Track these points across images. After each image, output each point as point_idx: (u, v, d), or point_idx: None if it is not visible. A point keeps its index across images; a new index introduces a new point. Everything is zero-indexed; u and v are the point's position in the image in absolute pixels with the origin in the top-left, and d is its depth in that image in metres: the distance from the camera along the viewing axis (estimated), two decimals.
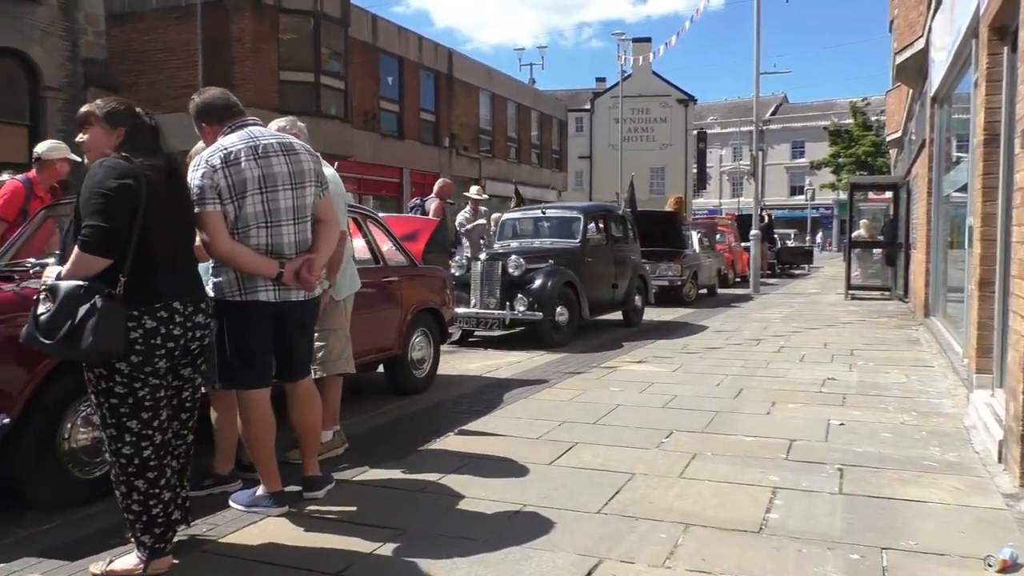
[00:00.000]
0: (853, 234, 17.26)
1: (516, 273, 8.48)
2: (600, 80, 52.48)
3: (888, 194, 26.57)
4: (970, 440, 4.57)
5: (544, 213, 9.80)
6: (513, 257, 8.49)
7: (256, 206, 3.21)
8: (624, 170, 38.03)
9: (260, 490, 3.38)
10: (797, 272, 26.59)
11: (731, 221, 22.02)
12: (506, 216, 10.33)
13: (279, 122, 3.88)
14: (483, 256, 8.61)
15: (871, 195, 30.58)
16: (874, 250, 18.66)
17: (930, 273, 10.19)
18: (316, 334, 3.78)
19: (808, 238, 37.64)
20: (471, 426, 4.96)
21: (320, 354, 4.07)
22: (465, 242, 10.71)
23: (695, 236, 15.70)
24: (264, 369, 3.34)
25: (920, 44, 10.80)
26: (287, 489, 3.47)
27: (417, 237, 6.64)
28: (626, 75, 45.42)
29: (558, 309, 8.61)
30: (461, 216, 11.13)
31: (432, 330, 6.14)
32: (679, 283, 13.98)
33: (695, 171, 45.23)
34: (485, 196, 11.08)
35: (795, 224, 49.19)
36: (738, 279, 20.31)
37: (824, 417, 5.14)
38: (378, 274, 5.50)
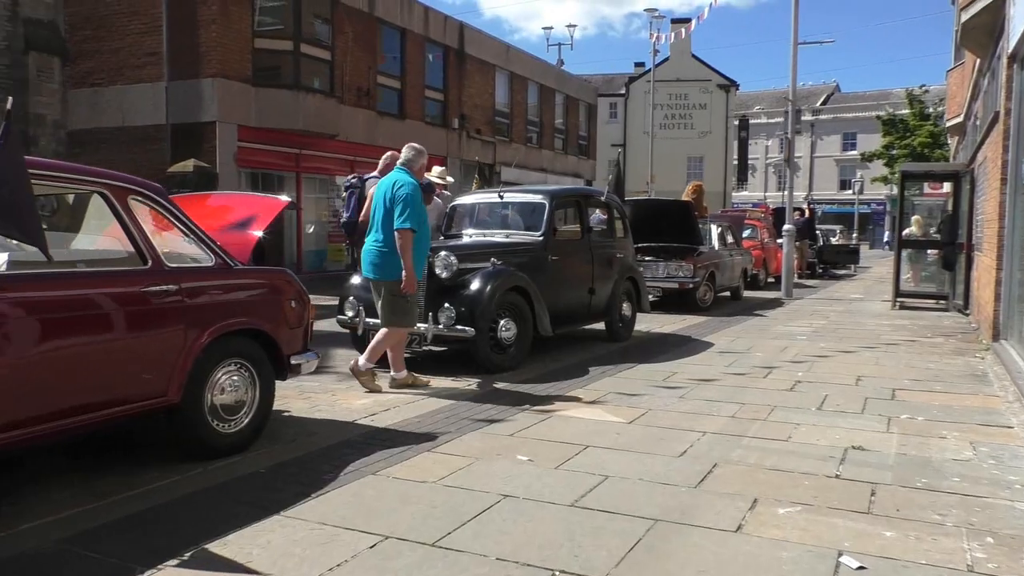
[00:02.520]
0: (903, 232, 14.82)
1: (445, 275, 6.44)
2: (639, 65, 49.87)
3: (946, 187, 23.92)
4: None
5: (502, 197, 7.74)
6: (442, 254, 6.45)
7: None
8: (659, 159, 35.64)
9: None
10: (841, 273, 24.03)
11: (765, 214, 19.62)
12: (458, 201, 8.28)
13: None
14: None
15: (927, 188, 27.82)
16: (928, 251, 16.24)
17: (1002, 284, 7.89)
18: None
19: (855, 235, 34.71)
20: (219, 544, 2.94)
21: None
22: None
23: (714, 230, 13.45)
24: None
25: None
26: None
27: (252, 224, 4.64)
28: (663, 58, 42.95)
29: (502, 323, 6.55)
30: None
31: (256, 363, 4.14)
32: (691, 286, 11.79)
33: (736, 162, 42.54)
34: (449, 179, 9.04)
35: (844, 220, 46.13)
36: (772, 279, 17.98)
37: (833, 545, 3.01)
38: (130, 281, 3.52)
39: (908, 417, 5.12)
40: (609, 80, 47.73)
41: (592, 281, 7.88)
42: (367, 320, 6.54)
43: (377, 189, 5.95)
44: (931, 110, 40.12)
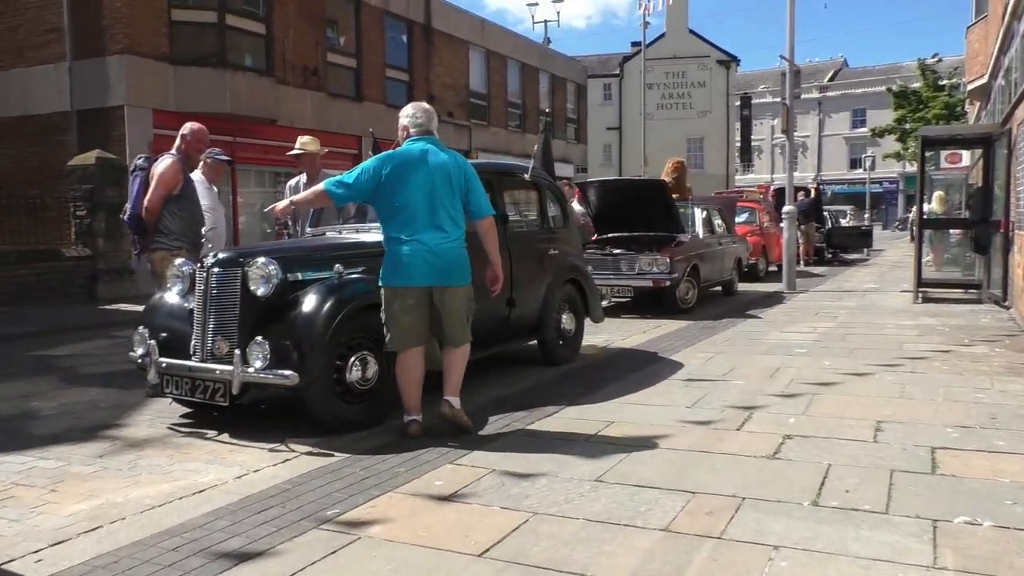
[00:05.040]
0: (925, 209, 12.66)
1: (262, 292, 4.39)
2: (635, 45, 47.48)
3: (966, 158, 21.63)
4: None
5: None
6: (259, 262, 4.39)
7: None
8: (657, 141, 33.40)
9: None
10: (853, 257, 21.83)
11: (764, 195, 17.44)
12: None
13: None
14: (209, 260, 4.52)
15: (944, 162, 25.44)
16: (951, 231, 14.05)
17: None
18: None
19: (867, 216, 32.29)
20: None
21: None
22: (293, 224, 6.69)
23: (699, 215, 11.32)
24: None
25: None
26: None
27: None
28: (659, 35, 40.65)
29: (354, 359, 4.48)
30: (291, 183, 7.11)
31: None
32: (667, 283, 9.68)
33: (739, 143, 40.18)
34: (318, 148, 6.96)
35: (856, 200, 43.79)
36: (775, 268, 15.85)
37: None
38: None
39: (967, 522, 3.02)
40: (604, 61, 45.44)
41: (511, 288, 5.80)
42: (161, 361, 4.50)
43: (416, 169, 4.32)
44: (945, 81, 37.69)
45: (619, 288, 9.96)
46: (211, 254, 4.56)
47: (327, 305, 4.34)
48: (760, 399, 5.15)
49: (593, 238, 11.15)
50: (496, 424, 4.62)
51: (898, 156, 40.45)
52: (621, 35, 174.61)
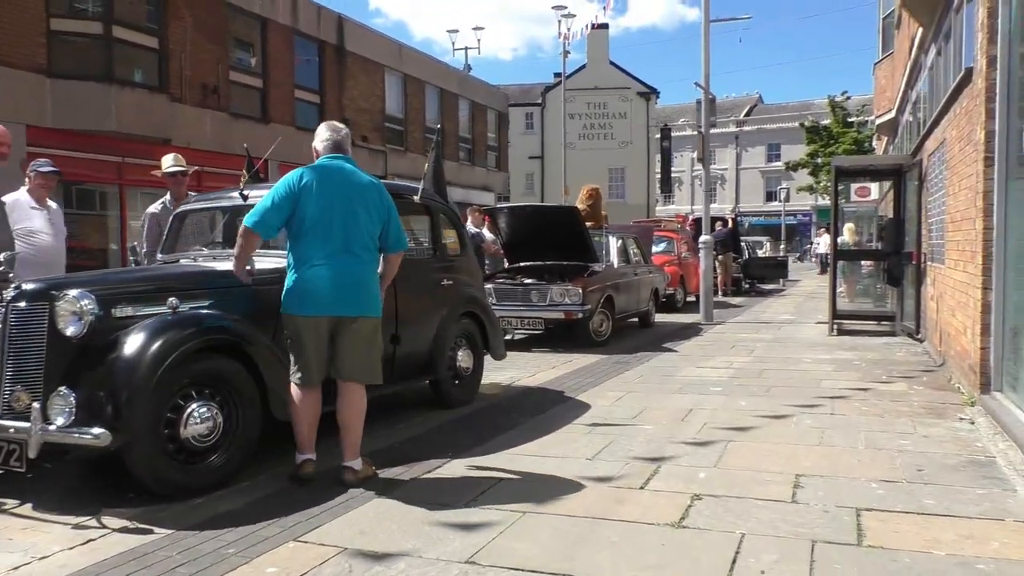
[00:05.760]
0: (838, 240, 12.58)
1: (73, 331, 3.62)
2: (558, 75, 47.75)
3: (875, 191, 22.11)
4: None
5: (245, 198, 4.94)
6: (70, 295, 3.62)
7: None
8: (579, 171, 33.32)
9: None
10: (770, 288, 21.91)
11: (682, 225, 17.27)
12: (185, 206, 5.45)
13: None
14: (9, 293, 3.73)
15: (854, 195, 26.00)
16: (863, 262, 14.09)
17: (992, 309, 5.45)
18: None
19: (783, 247, 32.77)
20: None
21: None
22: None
23: (614, 244, 10.89)
24: None
25: None
26: None
27: None
28: (580, 66, 40.93)
29: (192, 410, 3.74)
30: (152, 209, 6.34)
31: None
32: (579, 315, 9.16)
33: (659, 174, 40.55)
34: (183, 167, 6.24)
35: (772, 232, 44.72)
36: (693, 298, 15.60)
37: None
38: None
39: None
40: (527, 91, 45.44)
41: (396, 323, 5.14)
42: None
43: (333, 186, 3.97)
44: (854, 118, 38.96)
45: (529, 320, 9.41)
46: (12, 285, 3.76)
47: (155, 346, 3.60)
48: (669, 448, 4.61)
49: (506, 265, 10.61)
50: (353, 494, 3.93)
51: (811, 189, 41.50)
52: (545, 68, 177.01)
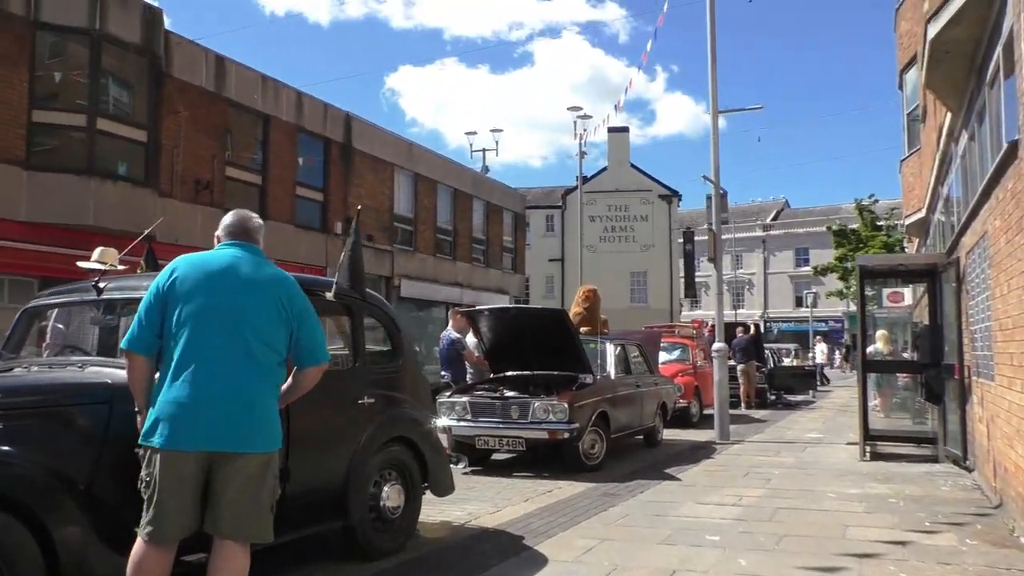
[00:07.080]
0: (868, 350, 11.30)
1: None
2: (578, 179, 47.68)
3: (908, 296, 20.75)
4: None
5: (99, 292, 3.90)
6: None
7: None
8: (601, 274, 32.45)
9: None
10: (798, 399, 20.32)
11: (698, 331, 16.02)
12: (34, 302, 4.43)
13: None
14: None
15: (886, 301, 24.61)
16: (898, 375, 12.67)
17: None
18: None
19: (811, 355, 31.14)
20: None
21: None
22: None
23: (611, 352, 9.71)
24: None
25: None
26: None
27: None
28: (600, 168, 40.77)
29: None
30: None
31: None
32: (565, 435, 7.91)
33: (683, 277, 39.54)
34: (103, 266, 5.35)
35: (801, 338, 43.06)
36: (710, 411, 14.22)
37: None
38: None
39: None
40: (548, 193, 45.29)
41: (286, 453, 3.98)
42: None
43: (216, 279, 3.13)
44: (882, 221, 37.92)
45: (509, 440, 8.17)
46: None
47: None
48: None
49: (489, 376, 9.46)
50: None
51: (841, 294, 40.12)
52: (571, 173, 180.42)
